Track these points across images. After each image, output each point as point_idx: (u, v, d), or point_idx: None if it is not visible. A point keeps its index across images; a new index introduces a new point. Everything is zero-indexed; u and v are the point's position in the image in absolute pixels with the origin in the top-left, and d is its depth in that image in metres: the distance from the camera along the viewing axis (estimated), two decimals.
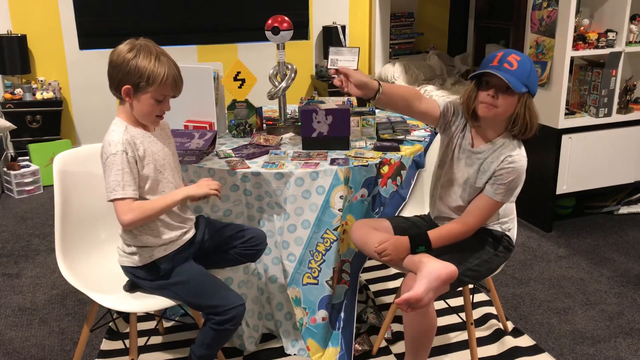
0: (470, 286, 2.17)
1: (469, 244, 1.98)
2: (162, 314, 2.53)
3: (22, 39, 4.53)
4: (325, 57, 5.36)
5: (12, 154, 4.60)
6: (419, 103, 1.98)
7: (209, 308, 1.86)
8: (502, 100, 1.85)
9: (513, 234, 2.09)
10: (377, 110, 2.79)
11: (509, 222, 2.05)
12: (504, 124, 1.91)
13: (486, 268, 1.98)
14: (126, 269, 1.93)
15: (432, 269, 1.79)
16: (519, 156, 1.90)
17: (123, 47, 1.78)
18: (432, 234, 1.94)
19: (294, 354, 2.34)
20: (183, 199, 1.83)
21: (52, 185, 2.11)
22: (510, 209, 2.05)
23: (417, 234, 1.96)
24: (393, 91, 1.95)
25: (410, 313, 1.89)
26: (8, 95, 4.49)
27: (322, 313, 2.22)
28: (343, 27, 5.23)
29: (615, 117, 3.45)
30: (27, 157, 4.41)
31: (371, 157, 2.24)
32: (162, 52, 1.80)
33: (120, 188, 1.73)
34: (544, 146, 3.37)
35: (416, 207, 2.36)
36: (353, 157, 2.26)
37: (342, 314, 2.30)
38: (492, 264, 2.00)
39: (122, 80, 1.76)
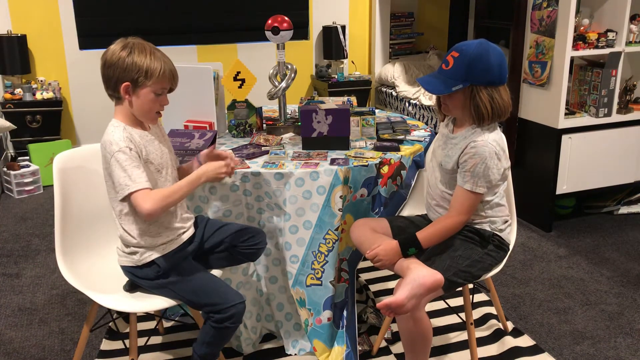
0: (470, 286, 2.16)
1: (458, 245, 1.97)
2: (162, 314, 2.53)
3: (22, 39, 4.53)
4: (326, 57, 5.37)
5: (12, 154, 4.60)
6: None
7: (209, 306, 1.86)
8: (447, 101, 1.96)
9: (507, 235, 2.06)
10: (377, 110, 2.79)
11: (499, 222, 2.02)
12: (470, 114, 1.93)
13: (478, 268, 1.97)
14: (126, 269, 1.93)
15: (417, 276, 1.80)
16: (483, 142, 1.89)
17: (115, 46, 1.79)
18: (421, 234, 1.95)
19: (295, 354, 2.34)
20: (201, 183, 1.84)
21: (52, 185, 2.12)
22: (501, 209, 2.02)
23: (405, 237, 1.97)
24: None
25: (402, 319, 1.90)
26: (8, 95, 4.49)
27: (327, 313, 2.22)
28: (343, 27, 5.23)
29: (615, 117, 3.45)
30: (27, 157, 4.41)
31: (371, 157, 2.24)
32: (154, 47, 1.83)
33: (132, 182, 1.72)
34: (544, 146, 3.36)
35: (416, 207, 2.36)
36: (353, 157, 2.26)
37: (345, 312, 2.30)
38: (484, 264, 1.98)
39: (119, 78, 1.77)
